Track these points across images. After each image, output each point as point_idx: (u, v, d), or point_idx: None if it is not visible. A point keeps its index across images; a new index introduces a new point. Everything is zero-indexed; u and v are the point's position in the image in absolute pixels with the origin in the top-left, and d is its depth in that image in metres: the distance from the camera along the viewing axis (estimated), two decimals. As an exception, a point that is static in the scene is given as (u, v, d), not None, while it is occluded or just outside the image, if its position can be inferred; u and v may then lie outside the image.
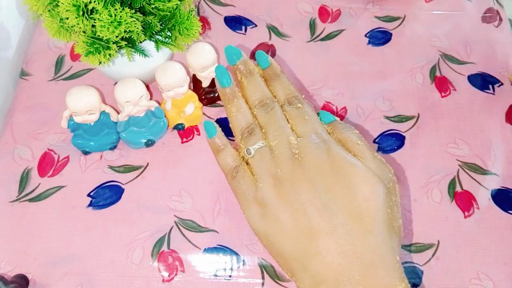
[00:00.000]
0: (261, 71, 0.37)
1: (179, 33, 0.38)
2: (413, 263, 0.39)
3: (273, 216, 0.29)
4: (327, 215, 0.28)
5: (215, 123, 0.36)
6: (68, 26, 0.35)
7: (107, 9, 0.33)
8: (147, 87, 0.42)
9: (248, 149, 0.32)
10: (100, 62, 0.36)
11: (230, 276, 0.38)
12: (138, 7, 0.36)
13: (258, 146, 0.32)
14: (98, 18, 0.34)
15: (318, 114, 0.35)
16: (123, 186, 0.42)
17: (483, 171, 0.43)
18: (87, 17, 0.34)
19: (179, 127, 0.44)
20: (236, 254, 0.39)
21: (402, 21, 0.52)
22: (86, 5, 0.33)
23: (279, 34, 0.51)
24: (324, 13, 0.53)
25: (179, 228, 0.40)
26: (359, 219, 0.28)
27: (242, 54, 0.36)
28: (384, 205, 0.28)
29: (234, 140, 0.35)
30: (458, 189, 0.42)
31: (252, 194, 0.31)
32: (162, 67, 0.40)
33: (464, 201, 0.42)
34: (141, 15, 0.35)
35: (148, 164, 0.43)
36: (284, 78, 0.36)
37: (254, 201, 0.30)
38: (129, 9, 0.34)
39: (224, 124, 0.41)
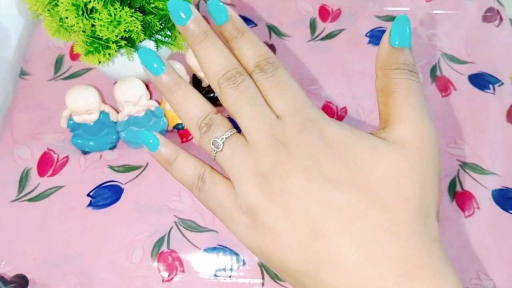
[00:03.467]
0: (218, 30, 0.27)
1: (179, 32, 0.38)
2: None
3: (265, 225, 0.23)
4: (334, 209, 0.22)
5: (154, 132, 0.28)
6: (67, 26, 0.35)
7: (106, 8, 0.33)
8: (147, 86, 0.42)
9: (215, 141, 0.25)
10: (99, 62, 0.35)
11: (230, 276, 0.38)
12: (137, 6, 0.36)
13: (227, 136, 0.25)
14: (98, 18, 0.33)
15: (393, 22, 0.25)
16: (122, 186, 0.42)
17: (483, 171, 0.43)
18: (87, 17, 0.34)
19: (179, 127, 0.44)
20: (236, 254, 0.39)
21: (403, 21, 0.52)
22: (85, 5, 0.33)
23: (279, 33, 0.51)
24: (324, 12, 0.52)
25: (178, 228, 0.40)
26: (377, 207, 0.22)
27: (192, 8, 0.25)
28: (412, 181, 0.22)
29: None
30: (458, 189, 0.42)
31: (232, 204, 0.24)
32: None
33: (465, 201, 0.42)
34: (140, 15, 0.35)
35: (147, 164, 0.43)
36: (252, 35, 0.26)
37: (237, 212, 0.24)
38: (128, 9, 0.34)
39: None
